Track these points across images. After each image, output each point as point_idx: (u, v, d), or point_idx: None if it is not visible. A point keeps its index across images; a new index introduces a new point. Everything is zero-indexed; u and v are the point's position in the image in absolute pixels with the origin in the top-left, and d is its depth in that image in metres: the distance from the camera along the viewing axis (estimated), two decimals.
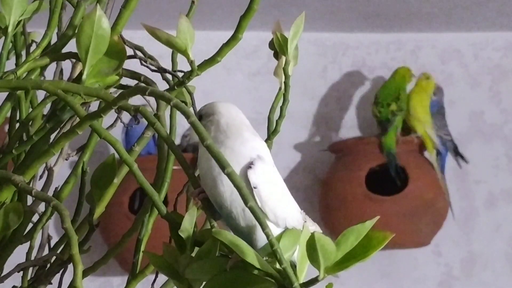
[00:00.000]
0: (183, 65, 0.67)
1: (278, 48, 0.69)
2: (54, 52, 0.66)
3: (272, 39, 0.69)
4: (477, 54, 2.22)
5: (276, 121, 0.70)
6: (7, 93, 0.66)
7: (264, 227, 0.50)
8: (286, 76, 0.69)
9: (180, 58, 0.66)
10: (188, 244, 0.57)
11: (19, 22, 0.68)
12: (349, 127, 2.16)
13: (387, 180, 2.04)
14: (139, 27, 0.62)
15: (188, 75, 0.63)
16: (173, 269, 0.57)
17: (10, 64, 0.71)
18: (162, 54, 0.72)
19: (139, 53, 0.68)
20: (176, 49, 0.61)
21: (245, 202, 0.51)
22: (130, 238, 0.69)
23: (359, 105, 2.19)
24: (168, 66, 0.68)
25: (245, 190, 0.51)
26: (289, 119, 2.13)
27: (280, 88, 0.70)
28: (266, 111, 0.72)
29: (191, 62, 0.61)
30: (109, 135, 0.56)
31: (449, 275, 2.16)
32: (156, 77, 0.65)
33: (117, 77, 0.62)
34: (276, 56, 0.70)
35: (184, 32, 0.60)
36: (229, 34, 0.62)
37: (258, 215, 0.51)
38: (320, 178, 2.12)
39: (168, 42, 0.60)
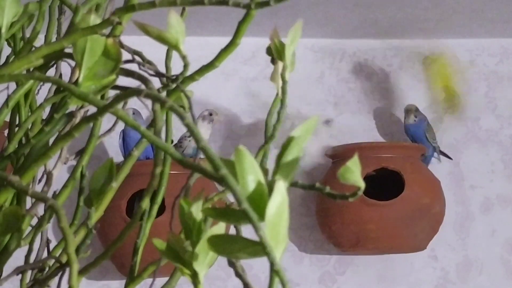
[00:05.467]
0: (181, 70, 0.67)
1: (276, 54, 0.69)
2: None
3: (270, 45, 0.69)
4: (473, 60, 2.23)
5: (274, 126, 0.71)
6: (6, 97, 0.67)
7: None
8: (284, 81, 0.69)
9: (176, 62, 0.66)
10: (195, 230, 0.56)
11: (12, 24, 0.68)
12: (346, 133, 2.17)
13: (383, 185, 2.04)
14: (138, 33, 0.62)
15: (183, 71, 0.62)
16: (178, 255, 0.56)
17: None
18: (160, 60, 0.73)
19: (137, 58, 0.68)
20: (168, 44, 0.60)
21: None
22: (126, 237, 0.69)
23: (356, 111, 2.19)
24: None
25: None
26: (287, 124, 2.14)
27: (277, 94, 0.70)
28: (263, 116, 0.72)
29: (183, 57, 0.60)
30: (132, 121, 0.55)
31: (445, 280, 2.16)
32: (155, 82, 0.66)
33: (114, 77, 0.62)
34: (274, 62, 0.70)
35: (174, 26, 0.60)
36: (227, 40, 0.63)
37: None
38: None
39: (159, 37, 0.60)
